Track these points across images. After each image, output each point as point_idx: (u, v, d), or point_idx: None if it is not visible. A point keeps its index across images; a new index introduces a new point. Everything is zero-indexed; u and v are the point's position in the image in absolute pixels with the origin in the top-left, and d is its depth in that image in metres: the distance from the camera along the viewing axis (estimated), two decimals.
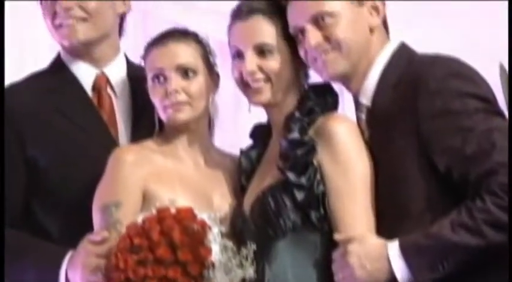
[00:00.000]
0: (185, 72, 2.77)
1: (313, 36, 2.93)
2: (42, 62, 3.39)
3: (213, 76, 2.92)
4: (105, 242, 2.59)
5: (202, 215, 2.61)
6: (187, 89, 2.78)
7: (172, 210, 2.46)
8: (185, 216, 2.44)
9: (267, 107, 3.08)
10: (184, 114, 2.76)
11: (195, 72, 2.82)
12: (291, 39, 3.04)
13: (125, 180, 2.64)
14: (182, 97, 2.76)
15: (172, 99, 2.72)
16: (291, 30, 3.00)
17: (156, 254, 2.38)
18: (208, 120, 2.93)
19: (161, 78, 2.75)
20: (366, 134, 3.07)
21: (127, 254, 2.41)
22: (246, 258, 2.69)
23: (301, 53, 3.00)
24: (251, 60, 2.94)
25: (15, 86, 3.06)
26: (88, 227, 2.75)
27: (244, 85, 3.01)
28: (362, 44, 2.96)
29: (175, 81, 2.73)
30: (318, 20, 2.94)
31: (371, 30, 2.98)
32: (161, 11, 4.55)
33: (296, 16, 2.97)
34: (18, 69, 4.21)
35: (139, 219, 2.54)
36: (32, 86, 3.03)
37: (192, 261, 2.43)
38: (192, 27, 3.09)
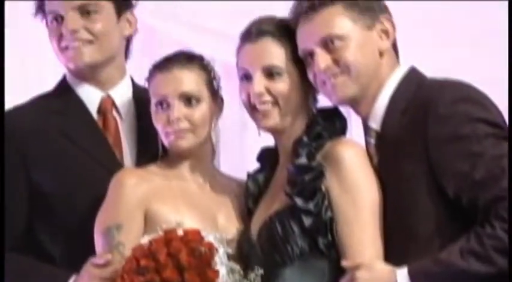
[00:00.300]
0: (188, 99, 2.78)
1: (323, 59, 2.92)
2: (47, 84, 3.40)
3: (216, 101, 2.93)
4: (108, 265, 2.60)
5: (209, 236, 2.62)
6: (190, 116, 2.79)
7: (180, 232, 2.47)
8: (192, 238, 2.45)
9: (275, 131, 3.04)
10: (187, 142, 2.77)
11: (198, 99, 2.83)
12: (300, 62, 3.03)
13: (126, 202, 2.65)
14: (185, 125, 2.77)
15: (174, 127, 2.74)
16: (300, 53, 2.99)
17: (163, 276, 2.38)
18: (211, 144, 2.93)
19: (164, 105, 2.76)
20: (374, 158, 3.05)
21: (133, 275, 2.41)
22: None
23: (310, 76, 2.98)
24: (259, 82, 2.93)
25: (20, 108, 3.07)
26: (91, 250, 2.75)
27: (251, 108, 3.00)
28: (371, 67, 2.95)
29: (178, 108, 2.74)
30: (327, 43, 2.94)
31: (380, 53, 2.98)
32: (168, 31, 4.55)
33: (305, 39, 2.96)
34: (22, 91, 4.20)
35: (144, 240, 2.55)
36: (37, 108, 3.04)
37: None
38: (198, 47, 3.12)
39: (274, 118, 2.99)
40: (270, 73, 2.97)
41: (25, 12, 3.38)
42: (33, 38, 4.32)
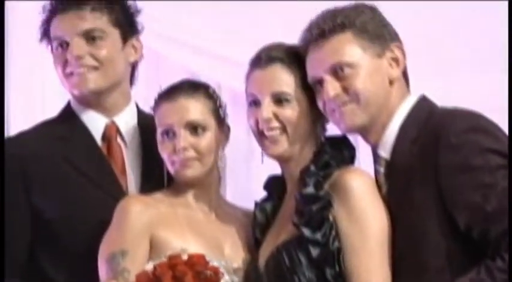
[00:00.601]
0: (194, 128, 2.79)
1: (332, 87, 2.91)
2: (51, 110, 3.46)
3: (223, 129, 2.93)
4: None
5: (214, 261, 2.64)
6: (196, 145, 2.80)
7: (184, 257, 2.47)
8: (197, 262, 2.45)
9: (283, 159, 3.02)
10: (193, 171, 2.78)
11: (204, 128, 2.83)
12: (309, 90, 3.02)
13: (131, 228, 2.65)
14: (191, 153, 2.77)
15: (180, 156, 2.74)
16: (310, 80, 2.99)
17: None
18: (218, 172, 2.93)
19: (170, 134, 2.78)
20: (383, 187, 3.02)
21: None
22: None
23: (320, 104, 2.98)
24: (268, 108, 2.93)
25: (24, 134, 3.07)
26: (95, 277, 2.74)
27: (259, 134, 2.99)
28: (381, 96, 2.94)
29: (185, 137, 2.76)
30: (337, 71, 2.93)
31: (390, 82, 2.96)
32: (174, 56, 4.55)
33: (315, 66, 2.96)
34: (26, 117, 4.22)
35: (149, 266, 2.55)
36: (41, 134, 3.04)
37: None
38: (204, 72, 3.05)
39: (282, 145, 2.97)
40: (279, 99, 2.97)
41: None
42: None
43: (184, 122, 2.77)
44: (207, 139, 2.82)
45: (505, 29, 4.21)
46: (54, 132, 3.01)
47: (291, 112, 2.98)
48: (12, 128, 4.00)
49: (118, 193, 2.93)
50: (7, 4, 4.05)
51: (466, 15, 4.46)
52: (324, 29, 3.04)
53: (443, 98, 3.16)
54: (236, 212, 3.02)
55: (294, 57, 3.03)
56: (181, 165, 2.76)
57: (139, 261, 2.61)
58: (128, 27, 3.01)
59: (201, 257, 2.46)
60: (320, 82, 2.96)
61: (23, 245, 2.92)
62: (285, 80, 3.00)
